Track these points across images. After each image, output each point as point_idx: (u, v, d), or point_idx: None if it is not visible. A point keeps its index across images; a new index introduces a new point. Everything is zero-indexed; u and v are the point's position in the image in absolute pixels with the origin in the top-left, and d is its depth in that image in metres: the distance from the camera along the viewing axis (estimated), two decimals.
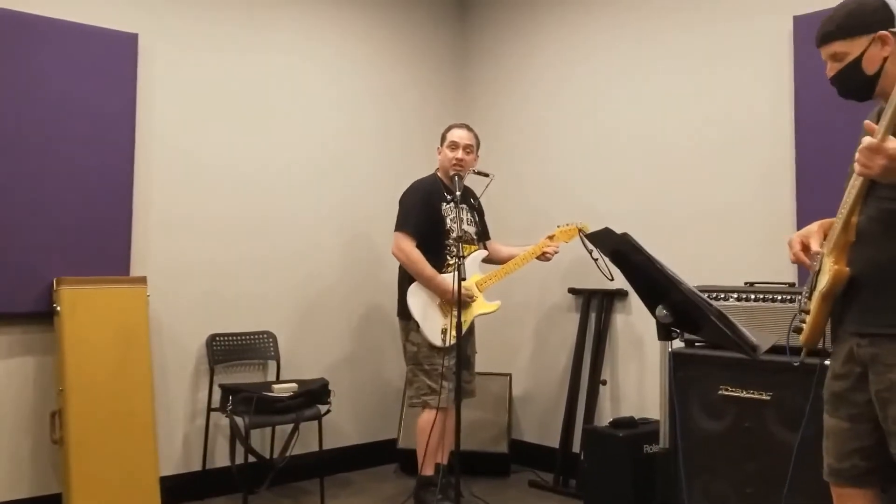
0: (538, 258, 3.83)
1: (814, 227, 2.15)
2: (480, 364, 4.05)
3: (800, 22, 3.47)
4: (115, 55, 3.72)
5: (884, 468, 2.00)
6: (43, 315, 3.46)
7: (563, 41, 4.62)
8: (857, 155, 1.85)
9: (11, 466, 3.45)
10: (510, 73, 4.93)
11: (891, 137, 1.84)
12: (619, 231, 2.14)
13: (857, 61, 2.01)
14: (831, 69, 2.09)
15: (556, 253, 3.85)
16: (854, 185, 1.95)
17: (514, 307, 4.61)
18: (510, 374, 4.61)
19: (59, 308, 3.42)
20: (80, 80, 3.61)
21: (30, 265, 3.44)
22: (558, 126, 4.62)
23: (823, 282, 2.00)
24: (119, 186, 3.72)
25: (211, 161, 4.09)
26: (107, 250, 3.66)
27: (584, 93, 4.48)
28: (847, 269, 1.98)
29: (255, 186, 4.24)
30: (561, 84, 4.62)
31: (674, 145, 4.03)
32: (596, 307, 4.33)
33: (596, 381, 4.25)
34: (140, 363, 3.58)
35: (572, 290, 4.46)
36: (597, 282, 4.05)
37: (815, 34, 2.13)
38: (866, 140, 1.84)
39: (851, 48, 2.02)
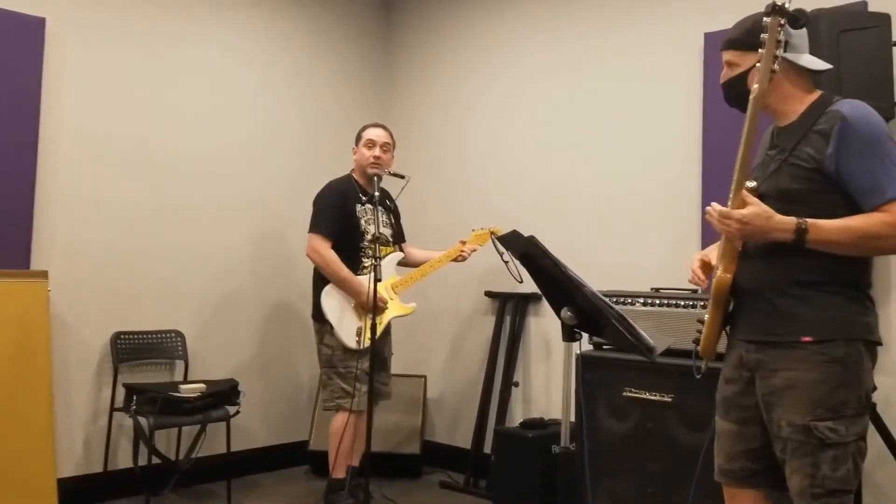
0: (454, 259, 3.86)
1: (716, 244, 2.24)
2: (395, 366, 4.05)
3: (710, 38, 3.61)
4: (21, 39, 3.57)
5: (771, 469, 2.08)
6: None
7: (484, 43, 4.67)
8: (712, 218, 1.99)
9: None
10: (431, 75, 4.96)
11: (746, 196, 1.96)
12: (527, 235, 2.18)
13: (744, 75, 2.10)
14: (724, 75, 2.18)
15: (472, 253, 3.89)
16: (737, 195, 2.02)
17: (431, 310, 4.63)
18: (425, 376, 4.63)
19: None
20: None
21: None
22: (476, 129, 4.67)
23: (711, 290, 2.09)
24: (20, 174, 3.57)
25: (119, 152, 3.96)
26: (5, 241, 3.51)
27: (503, 96, 4.55)
28: (729, 275, 2.06)
29: (165, 179, 4.13)
30: (480, 87, 4.67)
31: (586, 153, 4.14)
32: (511, 310, 4.39)
33: (508, 383, 4.31)
34: (38, 361, 3.42)
35: (489, 294, 4.51)
36: (512, 285, 4.10)
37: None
38: (715, 208, 1.98)
39: (742, 60, 2.11)
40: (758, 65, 1.96)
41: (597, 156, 4.10)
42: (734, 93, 2.14)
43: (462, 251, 3.87)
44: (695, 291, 3.35)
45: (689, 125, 3.74)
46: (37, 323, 3.45)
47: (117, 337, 3.89)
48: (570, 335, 2.17)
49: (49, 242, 3.69)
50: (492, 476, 3.87)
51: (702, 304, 3.09)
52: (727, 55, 2.15)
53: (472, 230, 3.95)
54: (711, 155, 3.61)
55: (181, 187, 4.19)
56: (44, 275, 3.53)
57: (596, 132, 4.11)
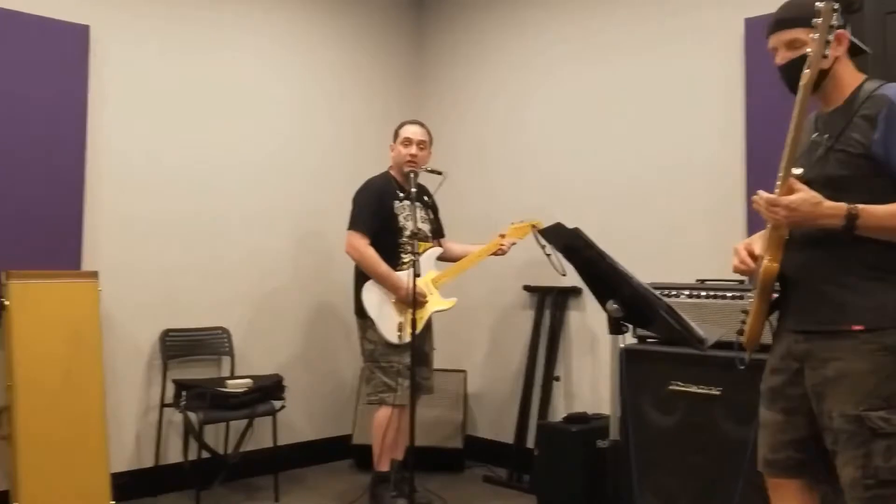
0: (493, 254, 3.87)
1: (758, 234, 2.21)
2: (436, 361, 4.08)
3: (751, 24, 3.56)
4: (67, 46, 3.66)
5: (815, 461, 2.06)
6: None
7: (518, 38, 4.66)
8: (759, 206, 1.96)
9: None
10: (466, 69, 4.96)
11: (794, 183, 1.92)
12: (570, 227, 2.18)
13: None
14: (783, 58, 2.07)
15: (511, 246, 3.89)
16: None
17: (470, 305, 4.64)
18: (465, 371, 4.65)
19: (7, 302, 3.35)
20: (29, 72, 3.54)
21: None
22: (513, 122, 4.67)
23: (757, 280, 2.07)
24: (70, 179, 3.66)
25: (164, 156, 4.04)
26: (57, 244, 3.61)
27: (538, 88, 4.54)
28: (776, 265, 2.03)
29: (209, 182, 4.21)
30: (514, 80, 4.67)
31: (626, 143, 4.11)
32: (550, 304, 4.38)
33: (550, 378, 4.30)
34: (91, 359, 3.52)
35: (527, 288, 4.51)
36: (551, 279, 4.11)
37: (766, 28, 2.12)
38: (763, 196, 1.94)
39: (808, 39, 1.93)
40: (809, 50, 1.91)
41: (637, 146, 4.07)
42: (797, 74, 1.96)
43: (501, 245, 3.87)
44: (741, 282, 3.31)
45: (731, 112, 3.69)
46: (88, 322, 3.55)
47: (166, 334, 3.97)
48: (616, 328, 2.16)
49: (98, 243, 3.78)
50: (535, 471, 3.88)
51: (749, 294, 3.05)
52: (790, 34, 2.03)
53: (511, 223, 3.95)
54: (755, 142, 3.57)
55: (224, 188, 4.26)
56: (94, 275, 3.63)
57: (635, 122, 4.09)
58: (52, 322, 3.43)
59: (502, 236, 3.90)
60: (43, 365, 3.38)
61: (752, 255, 2.18)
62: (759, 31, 3.20)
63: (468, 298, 4.56)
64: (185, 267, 4.09)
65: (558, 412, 4.24)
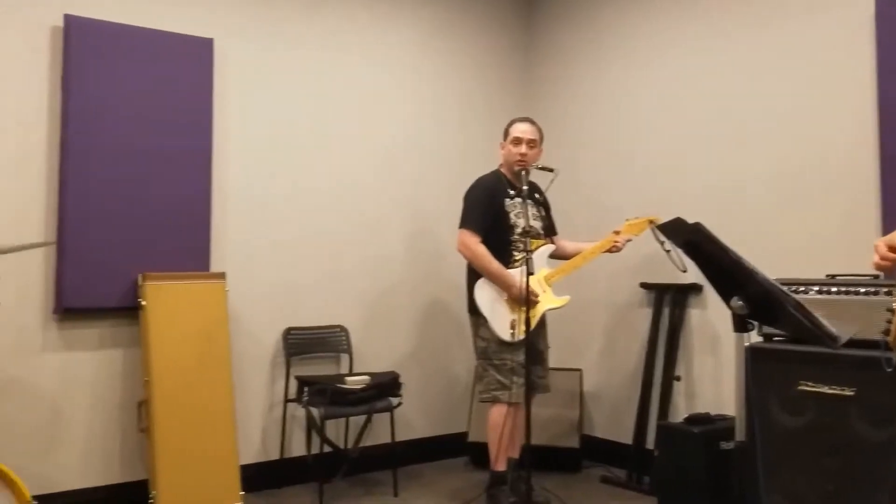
0: (607, 251, 3.80)
1: None
2: (551, 359, 4.04)
3: (881, 4, 3.34)
4: (192, 58, 3.86)
5: None
6: (130, 309, 3.62)
7: (627, 29, 4.56)
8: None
9: (102, 453, 3.62)
10: (575, 66, 4.89)
11: None
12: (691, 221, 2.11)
13: None
14: None
15: (626, 243, 3.80)
16: None
17: (585, 303, 4.58)
18: (581, 370, 4.59)
19: (144, 302, 3.57)
20: (160, 85, 3.75)
21: (117, 262, 3.60)
22: (626, 116, 4.56)
23: None
24: (198, 187, 3.86)
25: (283, 162, 4.20)
26: (188, 246, 3.81)
27: (653, 81, 4.42)
28: None
29: (326, 186, 4.34)
30: (627, 74, 4.56)
31: (747, 133, 3.94)
32: (669, 302, 4.26)
33: (670, 377, 4.19)
34: (220, 355, 3.70)
35: (644, 285, 4.40)
36: (670, 276, 3.99)
37: None
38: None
39: None
40: None
41: (758, 133, 3.89)
42: None
43: (616, 242, 3.79)
44: (875, 276, 3.12)
45: (861, 96, 3.47)
46: (217, 320, 3.73)
47: (288, 332, 4.13)
48: (741, 325, 2.08)
49: (225, 246, 3.97)
50: (655, 472, 3.78)
51: (885, 290, 2.87)
52: None
53: (626, 220, 3.86)
54: (890, 129, 3.34)
55: (340, 192, 4.39)
56: (222, 276, 3.81)
57: (756, 110, 3.91)
58: (184, 321, 3.63)
59: (616, 232, 3.82)
60: (176, 361, 3.58)
61: (893, 249, 2.04)
62: (891, 3, 2.99)
63: (583, 296, 4.50)
64: (304, 268, 4.23)
65: (679, 412, 4.12)
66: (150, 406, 3.51)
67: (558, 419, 4.45)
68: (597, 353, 4.71)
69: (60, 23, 3.54)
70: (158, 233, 3.72)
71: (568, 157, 4.72)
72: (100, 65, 3.59)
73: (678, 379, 4.18)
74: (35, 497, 2.41)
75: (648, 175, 4.42)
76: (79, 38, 3.54)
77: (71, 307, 3.51)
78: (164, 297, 3.61)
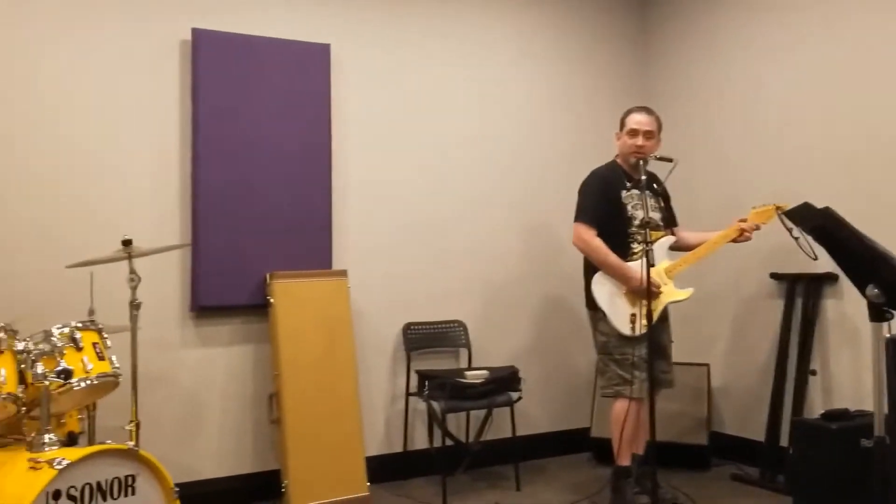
0: (732, 240, 3.64)
1: None
2: (675, 354, 3.92)
3: None
4: (310, 64, 4.00)
5: None
6: (259, 307, 3.80)
7: (747, 11, 4.34)
8: None
9: (237, 444, 3.82)
10: (694, 51, 4.72)
11: None
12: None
13: None
14: None
15: (752, 232, 3.63)
16: None
17: (711, 295, 4.42)
18: (708, 365, 4.42)
19: (272, 300, 3.74)
20: (281, 90, 3.91)
21: (246, 262, 3.79)
22: (749, 102, 4.35)
23: None
24: (320, 188, 3.99)
25: (399, 160, 4.29)
26: (312, 245, 3.95)
27: (777, 63, 4.19)
28: None
29: (442, 183, 4.40)
30: (750, 56, 4.35)
31: (879, 112, 3.67)
32: (802, 292, 4.04)
33: (804, 372, 3.97)
34: (344, 350, 3.83)
35: (774, 276, 4.19)
36: (802, 265, 3.78)
37: None
38: None
39: None
40: None
41: (892, 112, 3.63)
42: None
43: (742, 230, 3.63)
44: None
45: None
46: (341, 316, 3.85)
47: (408, 327, 4.21)
48: (878, 315, 1.95)
49: (345, 244, 4.09)
50: (790, 471, 3.60)
51: None
52: None
53: (753, 208, 3.68)
54: None
55: (456, 188, 4.43)
56: (344, 273, 3.93)
57: (888, 85, 3.64)
58: (310, 317, 3.78)
59: (742, 221, 3.65)
60: (304, 356, 3.72)
61: None
62: None
63: (709, 288, 4.34)
64: (422, 265, 4.31)
65: (815, 408, 3.90)
66: (280, 399, 3.67)
67: (685, 415, 4.31)
68: (724, 347, 4.52)
69: (188, 36, 3.76)
70: (284, 233, 3.88)
71: (690, 144, 4.56)
72: (225, 74, 3.78)
73: (814, 373, 3.96)
74: (177, 485, 2.55)
75: (774, 159, 4.20)
76: (205, 50, 3.75)
77: (205, 305, 3.73)
78: (290, 294, 3.77)
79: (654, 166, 3.74)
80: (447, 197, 4.41)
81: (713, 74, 4.62)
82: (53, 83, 3.51)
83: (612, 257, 3.60)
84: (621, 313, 3.61)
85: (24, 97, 3.46)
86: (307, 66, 3.99)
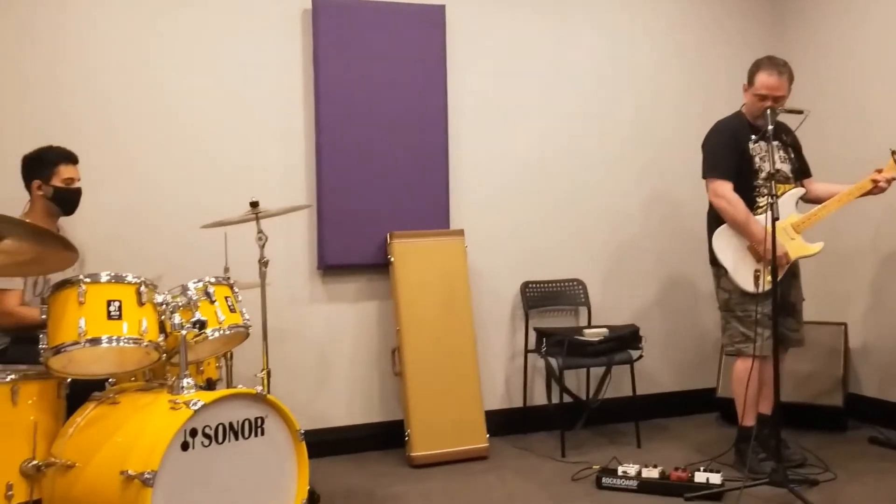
0: (867, 193, 3.40)
1: None
2: (809, 312, 3.74)
3: None
4: (426, 26, 4.06)
5: None
6: (381, 265, 3.96)
7: None
8: None
9: (364, 396, 4.03)
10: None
11: None
12: None
13: None
14: None
15: (890, 182, 3.38)
16: None
17: (847, 250, 4.17)
18: (845, 324, 4.19)
19: (392, 259, 3.88)
20: (398, 53, 4.01)
21: (368, 222, 3.95)
22: (888, 47, 4.03)
23: None
24: (437, 149, 4.08)
25: (515, 120, 4.30)
26: (430, 207, 4.06)
27: None
28: None
29: (558, 142, 4.37)
30: (882, 8, 4.01)
31: None
32: None
33: None
34: (462, 307, 3.93)
35: None
36: None
37: None
38: None
39: None
40: None
41: None
42: None
43: (877, 182, 3.38)
44: None
45: None
46: (458, 274, 3.96)
47: (526, 286, 4.25)
48: None
49: (462, 204, 4.17)
50: None
51: None
52: None
53: (893, 154, 3.43)
54: None
55: (574, 146, 4.40)
56: (461, 233, 4.02)
57: None
58: (429, 275, 3.90)
59: (878, 171, 3.41)
60: (423, 313, 3.86)
61: None
62: None
63: (846, 244, 4.10)
64: (540, 224, 4.33)
65: None
66: (402, 353, 3.83)
67: (819, 376, 4.11)
68: (864, 306, 4.26)
69: (309, 5, 3.91)
70: (403, 194, 4.00)
71: (822, 94, 4.28)
72: (344, 40, 3.92)
73: None
74: (308, 431, 2.72)
75: None
76: (325, 18, 3.89)
77: (331, 264, 3.92)
78: (409, 254, 3.90)
79: (784, 117, 3.54)
80: (565, 155, 4.38)
81: (846, 20, 4.29)
82: (187, 56, 3.77)
83: (744, 213, 3.46)
84: (745, 269, 3.48)
85: (168, 72, 3.74)
86: (423, 28, 4.06)
